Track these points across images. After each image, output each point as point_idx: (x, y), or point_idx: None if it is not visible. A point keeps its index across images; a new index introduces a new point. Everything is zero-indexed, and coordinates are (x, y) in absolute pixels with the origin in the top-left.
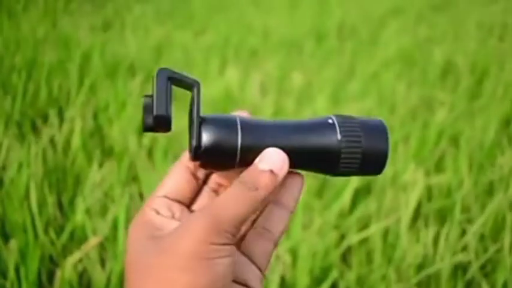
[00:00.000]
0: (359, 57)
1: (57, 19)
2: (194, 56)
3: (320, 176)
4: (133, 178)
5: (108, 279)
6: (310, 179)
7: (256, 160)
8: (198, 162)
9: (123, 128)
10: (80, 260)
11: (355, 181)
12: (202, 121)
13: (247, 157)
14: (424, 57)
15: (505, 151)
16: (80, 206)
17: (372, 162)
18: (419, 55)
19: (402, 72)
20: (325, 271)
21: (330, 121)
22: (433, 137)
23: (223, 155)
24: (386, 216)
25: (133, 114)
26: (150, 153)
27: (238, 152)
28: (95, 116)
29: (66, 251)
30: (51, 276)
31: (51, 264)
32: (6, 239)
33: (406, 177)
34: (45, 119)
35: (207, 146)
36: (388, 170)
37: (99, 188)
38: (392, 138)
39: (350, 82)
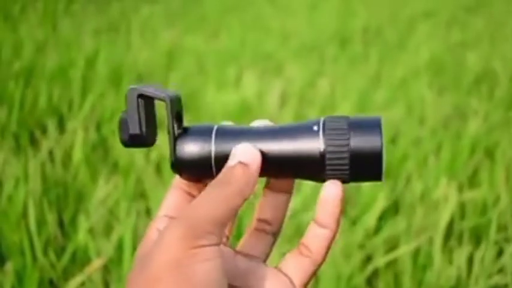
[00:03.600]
0: (386, 63)
1: (57, 21)
2: (207, 62)
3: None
4: (141, 195)
5: None
6: None
7: (228, 160)
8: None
9: None
10: (83, 284)
11: (382, 198)
12: (180, 133)
13: (224, 166)
14: (456, 63)
15: None
16: (83, 225)
17: (365, 166)
18: (452, 61)
19: (433, 79)
20: None
21: (315, 124)
22: (466, 149)
23: (199, 166)
24: (416, 235)
25: None
26: (158, 168)
27: (213, 161)
28: (99, 127)
29: (67, 274)
30: None
31: None
32: (2, 261)
33: (437, 193)
34: (44, 130)
35: (181, 158)
36: (417, 185)
37: (103, 206)
38: (422, 151)
39: (376, 90)
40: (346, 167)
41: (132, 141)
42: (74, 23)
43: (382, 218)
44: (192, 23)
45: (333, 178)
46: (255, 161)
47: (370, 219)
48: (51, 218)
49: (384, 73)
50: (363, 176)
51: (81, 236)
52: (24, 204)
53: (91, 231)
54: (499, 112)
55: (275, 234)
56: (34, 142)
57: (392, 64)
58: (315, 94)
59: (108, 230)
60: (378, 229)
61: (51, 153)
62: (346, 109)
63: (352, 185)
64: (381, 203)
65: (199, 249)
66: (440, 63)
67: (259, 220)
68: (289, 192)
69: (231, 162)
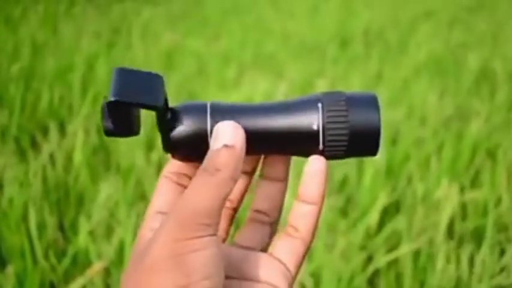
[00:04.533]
0: (387, 64)
1: (58, 24)
2: (208, 64)
3: (344, 193)
4: (141, 197)
5: None
6: (333, 196)
7: (211, 142)
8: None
9: (130, 143)
10: (84, 287)
11: (383, 198)
12: (171, 112)
13: None
14: (457, 64)
15: None
16: (83, 227)
17: (363, 142)
18: (453, 61)
19: (434, 80)
20: None
21: (314, 98)
22: (467, 149)
23: (194, 143)
24: (417, 236)
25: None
26: (159, 169)
27: (209, 138)
28: (99, 130)
29: (68, 277)
30: None
31: None
32: (3, 264)
33: (438, 194)
34: (45, 133)
35: (176, 136)
36: (419, 185)
37: (104, 208)
38: (423, 152)
39: (377, 91)
40: (345, 143)
41: (118, 130)
42: (75, 25)
43: (383, 218)
44: (193, 26)
45: (330, 154)
46: (240, 140)
47: (371, 220)
48: (51, 221)
49: (385, 74)
50: (360, 152)
51: (82, 238)
52: (25, 207)
53: (92, 233)
54: (500, 113)
55: (272, 224)
56: (35, 145)
57: (394, 65)
58: None
59: (108, 232)
60: (379, 229)
61: (51, 156)
62: None
63: (353, 186)
64: (381, 203)
65: (196, 240)
66: (441, 64)
67: (256, 211)
68: (284, 180)
69: (215, 145)
